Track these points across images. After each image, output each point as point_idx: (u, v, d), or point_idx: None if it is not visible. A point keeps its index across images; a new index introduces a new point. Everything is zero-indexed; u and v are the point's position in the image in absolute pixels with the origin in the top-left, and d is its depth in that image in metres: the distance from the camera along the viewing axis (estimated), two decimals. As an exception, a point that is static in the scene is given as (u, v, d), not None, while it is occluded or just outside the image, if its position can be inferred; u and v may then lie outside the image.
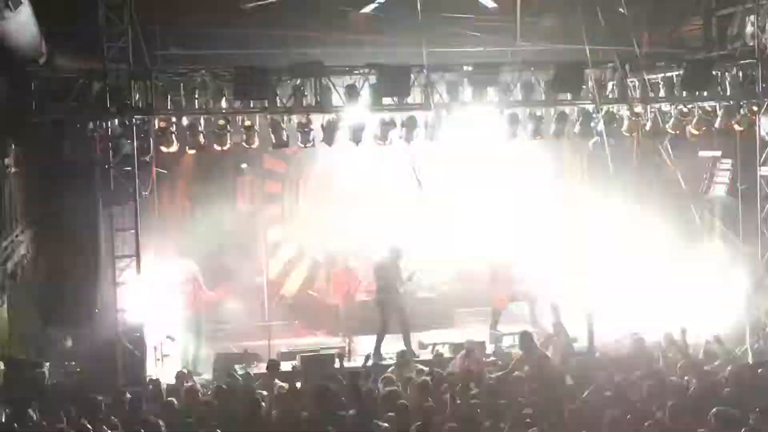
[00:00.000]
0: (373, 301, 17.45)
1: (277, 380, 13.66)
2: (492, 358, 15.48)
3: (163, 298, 16.13)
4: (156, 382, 14.49)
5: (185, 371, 14.80)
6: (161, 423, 11.48)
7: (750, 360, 15.39)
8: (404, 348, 16.05)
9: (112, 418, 11.81)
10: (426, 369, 14.09)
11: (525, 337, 14.38)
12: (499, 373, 13.65)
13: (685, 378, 12.72)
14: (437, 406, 11.65)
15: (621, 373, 13.01)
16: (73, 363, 15.23)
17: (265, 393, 13.03)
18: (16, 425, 11.57)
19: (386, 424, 10.91)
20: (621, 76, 16.71)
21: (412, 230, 19.20)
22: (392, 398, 11.72)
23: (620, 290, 18.02)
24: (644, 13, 18.17)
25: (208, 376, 15.57)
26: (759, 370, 13.24)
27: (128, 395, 13.18)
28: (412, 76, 15.99)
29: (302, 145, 16.47)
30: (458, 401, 11.81)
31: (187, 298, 16.70)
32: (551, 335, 15.46)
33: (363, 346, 16.95)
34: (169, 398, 12.81)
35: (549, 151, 19.52)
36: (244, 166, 19.45)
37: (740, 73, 17.09)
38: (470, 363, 14.12)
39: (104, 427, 11.37)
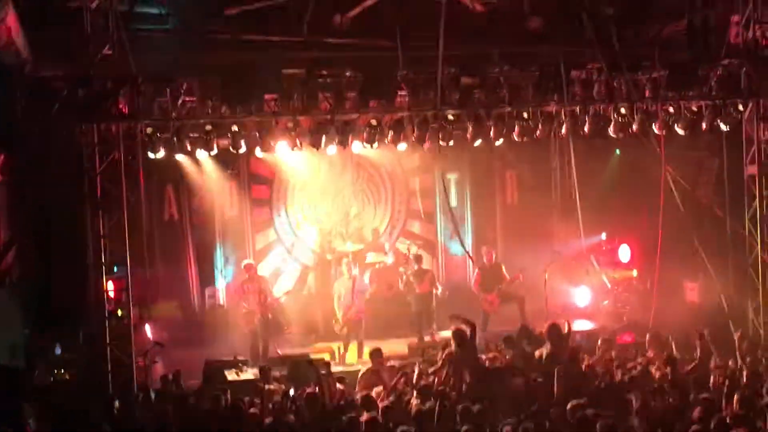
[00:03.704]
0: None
1: (268, 386, 13.62)
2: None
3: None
4: (145, 389, 14.45)
5: (170, 376, 14.79)
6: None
7: None
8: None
9: (103, 425, 11.78)
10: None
11: (553, 329, 13.96)
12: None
13: None
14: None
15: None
16: (62, 371, 15.17)
17: (256, 400, 13.01)
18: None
19: None
20: (607, 77, 16.78)
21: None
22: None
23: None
24: (629, 14, 18.21)
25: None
26: None
27: (117, 403, 13.13)
28: (399, 78, 16.12)
29: (290, 149, 16.54)
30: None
31: (253, 299, 16.80)
32: None
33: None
34: (160, 405, 12.77)
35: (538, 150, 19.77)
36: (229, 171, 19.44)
37: (726, 73, 17.12)
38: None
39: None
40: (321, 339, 18.12)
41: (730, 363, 13.67)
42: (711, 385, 12.43)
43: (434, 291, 18.33)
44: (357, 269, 18.13)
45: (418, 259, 18.48)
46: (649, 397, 11.59)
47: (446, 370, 13.12)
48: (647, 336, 14.88)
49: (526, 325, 15.27)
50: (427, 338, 17.62)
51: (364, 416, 11.09)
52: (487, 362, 13.78)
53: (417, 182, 21.06)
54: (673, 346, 13.95)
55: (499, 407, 11.26)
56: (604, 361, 14.04)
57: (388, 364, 14.58)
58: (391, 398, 12.33)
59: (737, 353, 13.95)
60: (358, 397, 12.39)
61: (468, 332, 13.52)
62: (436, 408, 11.28)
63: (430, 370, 13.46)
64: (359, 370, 14.89)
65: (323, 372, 13.29)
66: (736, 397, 11.09)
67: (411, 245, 19.90)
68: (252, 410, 12.25)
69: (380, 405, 11.80)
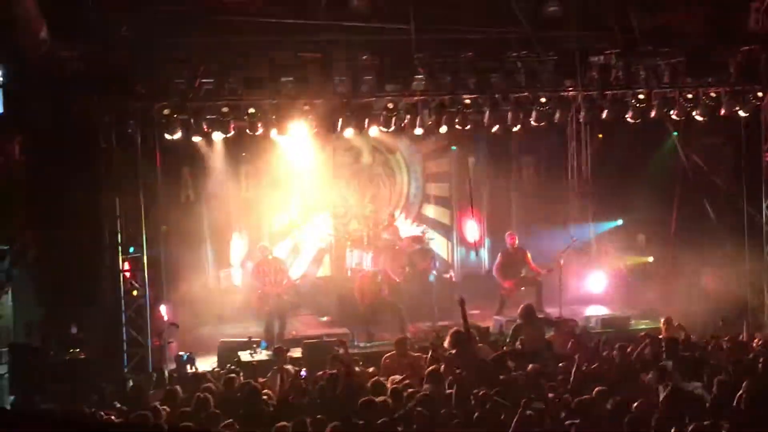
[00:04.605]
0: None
1: (290, 366, 13.64)
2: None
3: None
4: (159, 370, 14.54)
5: (184, 355, 14.86)
6: (166, 409, 11.50)
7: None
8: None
9: (116, 404, 11.85)
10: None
11: (527, 309, 14.65)
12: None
13: None
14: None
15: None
16: (78, 350, 15.27)
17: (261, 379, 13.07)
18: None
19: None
20: (625, 62, 16.71)
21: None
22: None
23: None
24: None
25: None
26: None
27: (131, 382, 13.20)
28: (416, 62, 16.10)
29: (306, 132, 16.55)
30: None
31: (269, 280, 16.87)
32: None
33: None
34: (173, 385, 12.84)
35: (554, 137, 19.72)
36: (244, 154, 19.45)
37: (745, 60, 17.02)
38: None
39: (109, 414, 11.41)
40: (336, 321, 18.12)
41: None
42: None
43: (433, 271, 18.35)
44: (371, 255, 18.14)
45: (418, 239, 18.45)
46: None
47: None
48: (662, 321, 14.91)
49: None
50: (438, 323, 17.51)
51: (379, 399, 11.12)
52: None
53: (433, 166, 21.05)
54: (685, 331, 13.99)
55: (509, 392, 11.24)
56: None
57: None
58: (406, 382, 12.31)
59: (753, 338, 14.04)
60: (368, 384, 12.35)
61: (465, 334, 13.47)
62: (454, 391, 11.31)
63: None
64: (372, 353, 14.96)
65: (340, 354, 13.29)
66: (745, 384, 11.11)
67: (426, 229, 19.91)
68: (266, 391, 12.30)
69: (390, 388, 11.84)
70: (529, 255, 18.12)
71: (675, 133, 18.98)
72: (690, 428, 9.43)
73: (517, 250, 18.17)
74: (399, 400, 11.18)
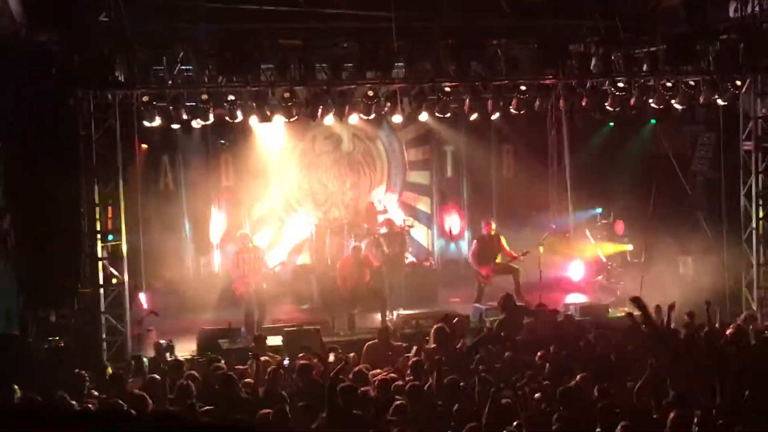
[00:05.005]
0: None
1: (265, 356, 13.60)
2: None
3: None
4: (138, 358, 14.49)
5: (163, 343, 14.82)
6: (147, 397, 11.46)
7: None
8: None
9: (94, 392, 11.81)
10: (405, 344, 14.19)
11: (507, 299, 14.59)
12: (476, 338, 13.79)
13: None
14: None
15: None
16: (57, 338, 15.20)
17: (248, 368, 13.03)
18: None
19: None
20: (605, 51, 16.74)
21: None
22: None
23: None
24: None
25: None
26: None
27: (110, 370, 13.16)
28: (397, 49, 16.08)
29: (286, 119, 16.50)
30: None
31: (249, 268, 16.82)
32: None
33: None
34: (152, 374, 12.79)
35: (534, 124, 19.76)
36: (222, 142, 19.36)
37: (724, 48, 17.08)
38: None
39: (88, 402, 11.37)
40: (316, 309, 18.11)
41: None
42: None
43: (405, 255, 18.37)
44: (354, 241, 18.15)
45: (390, 223, 18.49)
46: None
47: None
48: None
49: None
50: (414, 311, 17.48)
51: (361, 389, 11.10)
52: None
53: (413, 154, 21.05)
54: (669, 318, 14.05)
55: (487, 382, 11.26)
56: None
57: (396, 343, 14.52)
58: (392, 375, 12.29)
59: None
60: (350, 374, 12.30)
61: (449, 330, 13.49)
62: (434, 382, 11.31)
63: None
64: (354, 341, 14.96)
65: (317, 342, 13.28)
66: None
67: (409, 220, 19.94)
68: (247, 380, 12.27)
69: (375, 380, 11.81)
70: (503, 240, 18.13)
71: (653, 121, 19.07)
72: (670, 417, 9.47)
73: (492, 237, 18.19)
74: (386, 391, 11.16)
